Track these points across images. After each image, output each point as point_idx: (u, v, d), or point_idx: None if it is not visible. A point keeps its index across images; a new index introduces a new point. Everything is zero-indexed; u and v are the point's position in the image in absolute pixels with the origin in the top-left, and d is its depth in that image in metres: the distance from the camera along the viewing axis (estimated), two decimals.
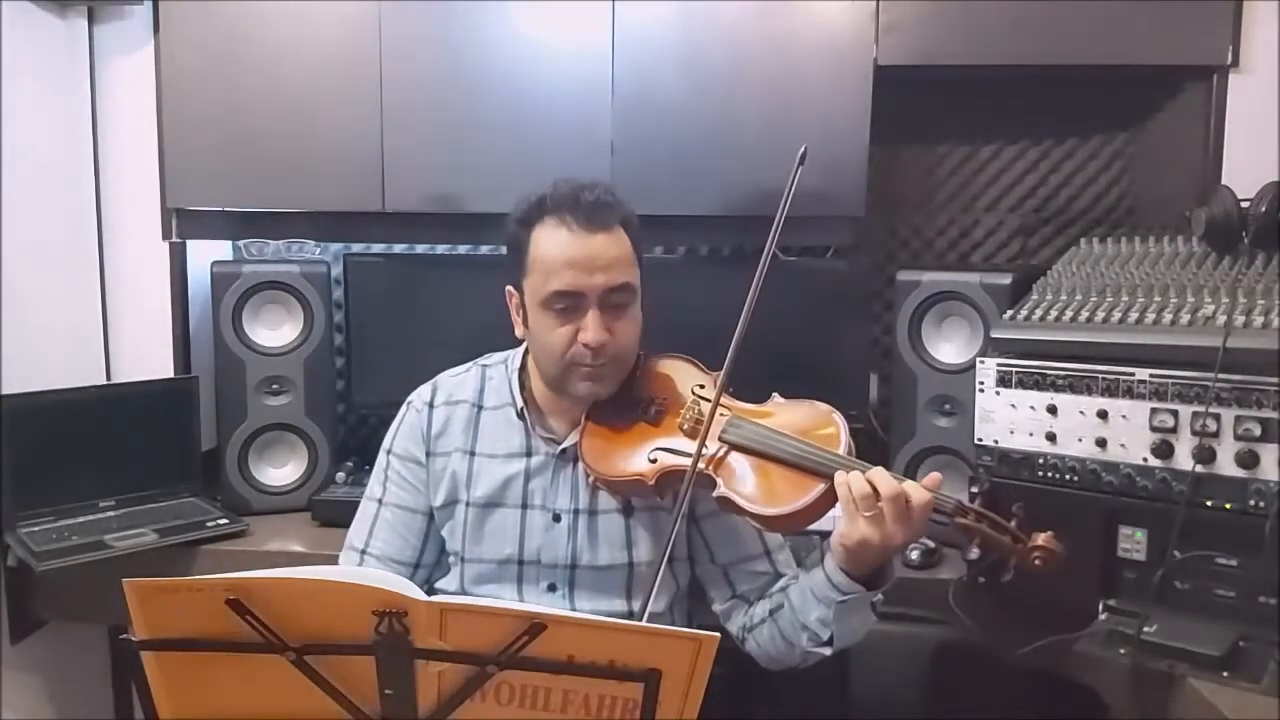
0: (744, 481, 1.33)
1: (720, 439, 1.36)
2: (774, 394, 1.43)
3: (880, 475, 1.24)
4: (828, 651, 1.36)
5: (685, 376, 1.47)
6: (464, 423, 1.49)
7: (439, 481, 1.48)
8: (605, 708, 0.98)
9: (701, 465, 1.33)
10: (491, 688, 0.99)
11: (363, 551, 1.49)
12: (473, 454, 1.48)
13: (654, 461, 1.37)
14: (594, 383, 1.40)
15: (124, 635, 0.99)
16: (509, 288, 1.47)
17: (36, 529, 1.85)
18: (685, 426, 1.40)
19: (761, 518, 1.31)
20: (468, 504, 1.46)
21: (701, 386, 1.45)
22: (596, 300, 1.36)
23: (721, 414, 1.37)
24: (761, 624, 1.45)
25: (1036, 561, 1.24)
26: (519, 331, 1.47)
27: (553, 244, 1.37)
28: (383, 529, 1.49)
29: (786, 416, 1.38)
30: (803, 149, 1.34)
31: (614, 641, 0.97)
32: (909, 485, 1.24)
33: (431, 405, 1.51)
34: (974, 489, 1.56)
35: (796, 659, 1.41)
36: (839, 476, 1.25)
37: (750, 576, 1.49)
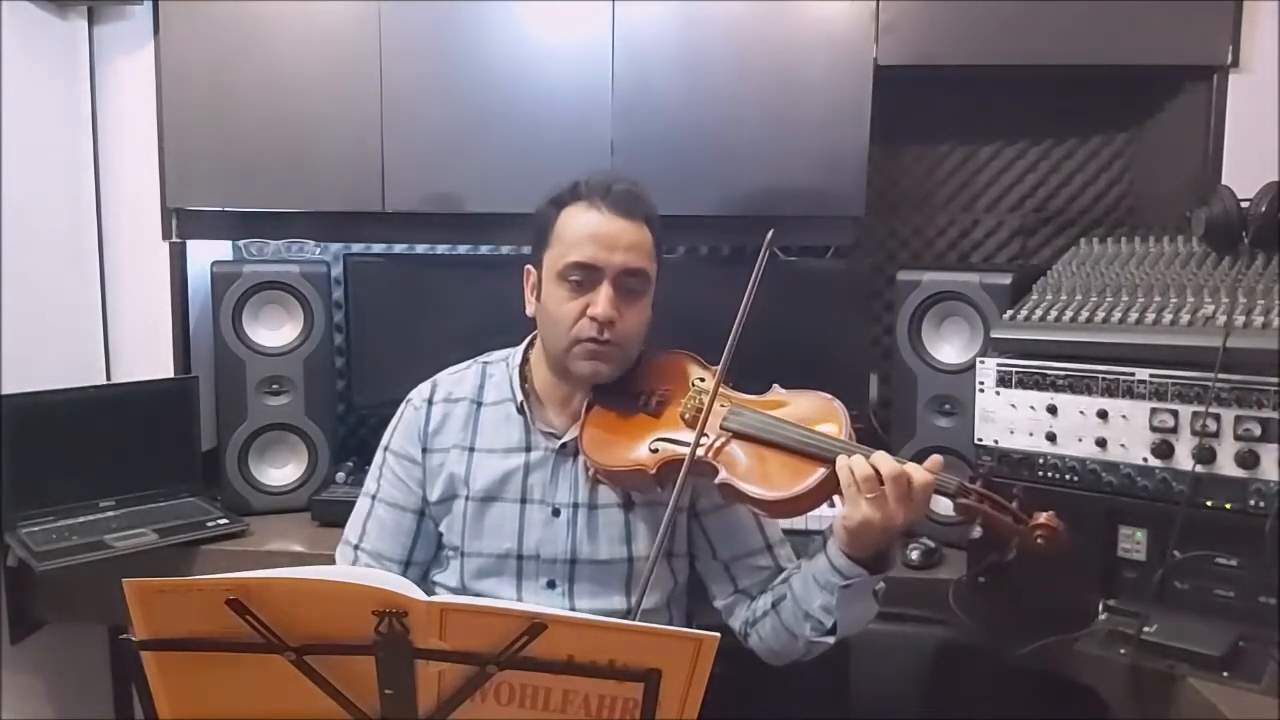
0: (745, 468, 1.33)
1: (722, 427, 1.36)
2: (774, 384, 1.44)
3: (882, 457, 1.26)
4: (831, 641, 1.37)
5: (686, 370, 1.48)
6: (463, 419, 1.50)
7: (435, 478, 1.49)
8: (605, 708, 0.98)
9: (703, 453, 1.34)
10: (491, 688, 0.99)
11: (356, 546, 1.50)
12: (471, 450, 1.48)
13: (655, 451, 1.38)
14: (597, 361, 1.41)
15: (124, 635, 0.99)
16: (528, 267, 1.49)
17: (36, 529, 1.85)
18: (686, 416, 1.41)
19: (763, 503, 1.31)
20: (467, 498, 1.47)
21: (702, 379, 1.46)
22: (611, 278, 1.39)
23: (722, 403, 1.38)
24: (764, 617, 1.45)
25: (1039, 540, 1.23)
26: (529, 309, 1.49)
27: (580, 221, 1.41)
28: (374, 526, 1.50)
29: (787, 406, 1.39)
30: (770, 232, 1.36)
31: (614, 641, 0.97)
32: (911, 466, 1.25)
33: (430, 402, 1.52)
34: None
35: (800, 651, 1.41)
36: (841, 460, 1.26)
37: (752, 571, 1.49)
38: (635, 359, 1.47)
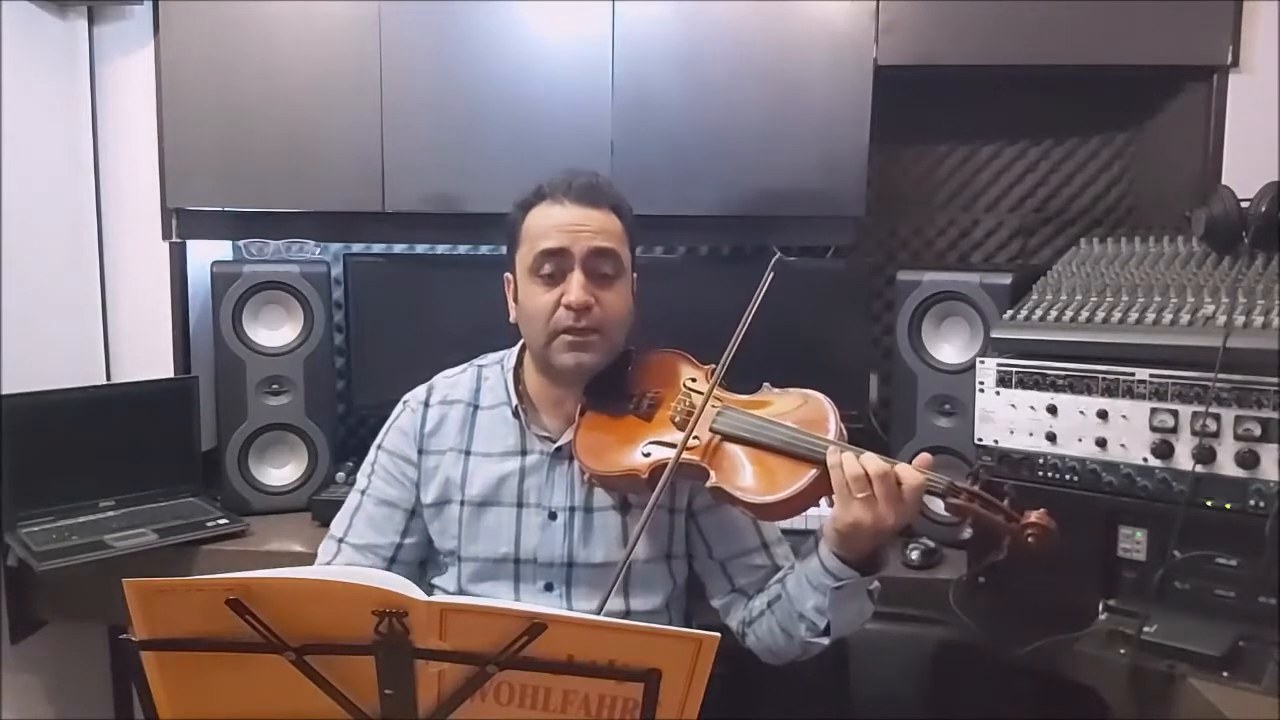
0: (736, 471, 1.33)
1: (711, 429, 1.36)
2: (765, 383, 1.44)
3: (870, 457, 1.25)
4: (825, 641, 1.37)
5: (678, 370, 1.48)
6: (459, 422, 1.50)
7: (430, 480, 1.49)
8: (605, 708, 0.98)
9: (694, 457, 1.33)
10: (491, 688, 0.99)
11: (340, 540, 1.50)
12: (467, 453, 1.48)
13: (648, 456, 1.38)
14: (578, 351, 1.40)
15: (124, 635, 0.99)
16: (506, 275, 1.50)
17: (36, 529, 1.85)
18: (677, 419, 1.41)
19: (753, 506, 1.31)
20: (463, 503, 1.47)
21: (694, 380, 1.46)
22: (580, 261, 1.39)
23: (712, 404, 1.38)
24: (760, 617, 1.45)
25: (1030, 539, 1.23)
26: (512, 315, 1.49)
27: (545, 216, 1.43)
28: (361, 520, 1.50)
29: (778, 405, 1.39)
30: (776, 255, 1.39)
31: (614, 641, 0.97)
32: (900, 466, 1.25)
33: (426, 404, 1.52)
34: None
35: (796, 651, 1.41)
36: (831, 459, 1.26)
37: (748, 570, 1.49)
38: (621, 352, 1.47)
